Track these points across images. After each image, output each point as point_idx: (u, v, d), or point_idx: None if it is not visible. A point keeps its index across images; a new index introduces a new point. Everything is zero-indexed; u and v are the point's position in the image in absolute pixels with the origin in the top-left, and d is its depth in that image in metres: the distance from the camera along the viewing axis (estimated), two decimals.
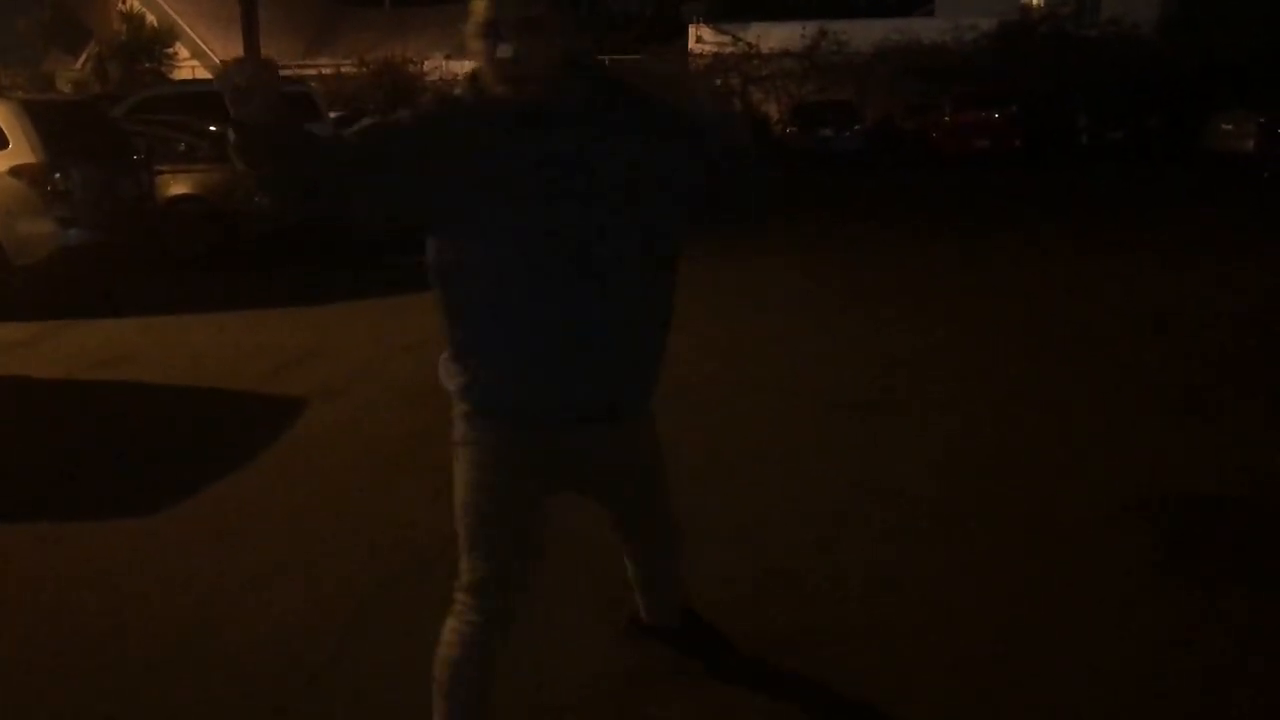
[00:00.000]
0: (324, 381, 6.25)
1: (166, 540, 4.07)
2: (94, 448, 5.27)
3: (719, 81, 30.19)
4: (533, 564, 2.35)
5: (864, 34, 30.12)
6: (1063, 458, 4.77)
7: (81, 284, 9.23)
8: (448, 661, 2.30)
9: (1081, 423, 5.26)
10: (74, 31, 32.05)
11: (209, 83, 22.76)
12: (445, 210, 2.10)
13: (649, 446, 2.50)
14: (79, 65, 31.35)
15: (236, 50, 24.84)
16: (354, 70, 31.24)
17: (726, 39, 32.01)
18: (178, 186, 10.74)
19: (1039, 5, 33.05)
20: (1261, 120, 19.23)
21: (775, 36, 31.06)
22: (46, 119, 8.83)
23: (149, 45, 31.48)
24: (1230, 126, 20.37)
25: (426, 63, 31.52)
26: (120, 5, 33.10)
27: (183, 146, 11.13)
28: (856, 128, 25.45)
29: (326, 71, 31.00)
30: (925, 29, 30.99)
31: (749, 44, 31.53)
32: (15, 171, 8.45)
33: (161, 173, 10.47)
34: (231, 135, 1.96)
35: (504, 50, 1.98)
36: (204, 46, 35.44)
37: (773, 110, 30.66)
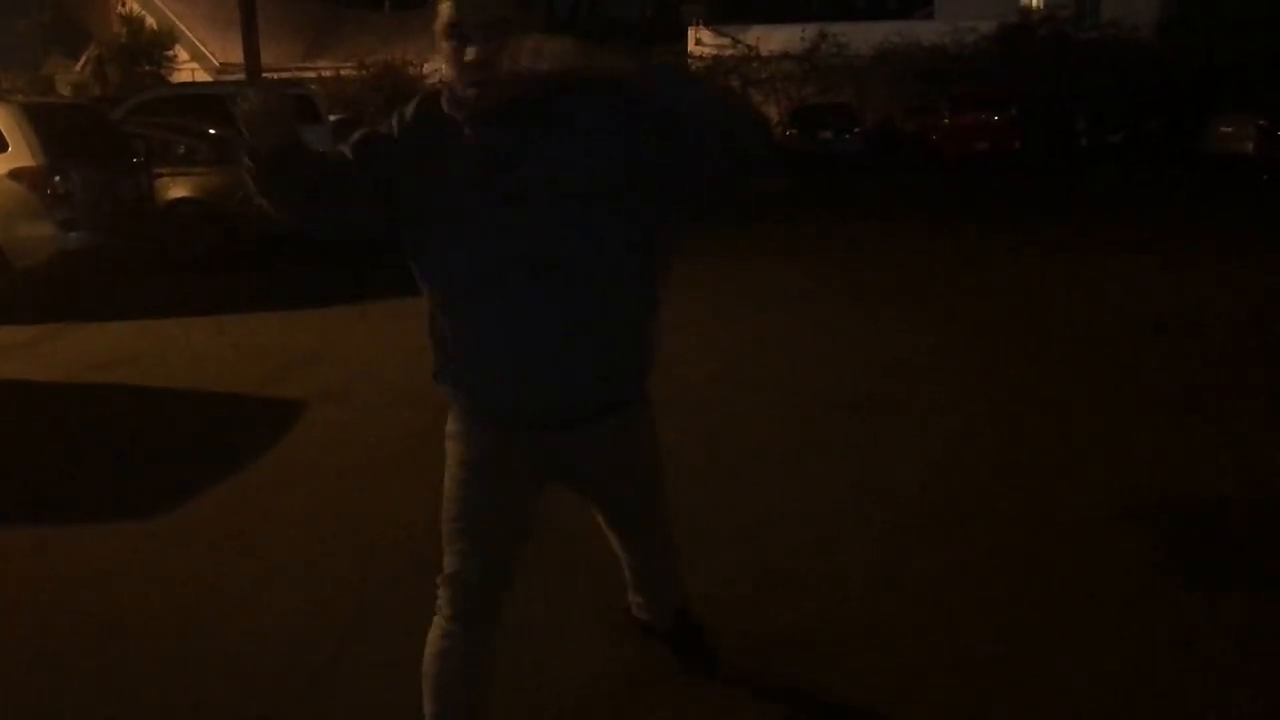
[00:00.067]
0: (324, 384, 6.25)
1: (166, 542, 4.08)
2: (94, 450, 5.27)
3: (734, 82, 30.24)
4: (513, 561, 2.32)
5: (864, 36, 30.12)
6: (1063, 458, 4.77)
7: (81, 286, 9.23)
8: (430, 660, 2.29)
9: (1081, 423, 5.26)
10: (74, 34, 32.07)
11: (208, 85, 22.82)
12: (410, 213, 2.16)
13: (645, 449, 2.46)
14: (79, 68, 31.36)
15: (236, 53, 24.85)
16: (354, 73, 31.23)
17: (726, 41, 32.00)
18: (177, 189, 10.75)
19: (1038, 7, 33.08)
20: (1261, 123, 19.23)
21: (775, 39, 31.06)
22: (46, 122, 8.84)
23: (148, 48, 31.47)
24: (1230, 129, 20.37)
25: (426, 65, 31.49)
26: (120, 8, 33.11)
27: (182, 149, 11.13)
28: (856, 130, 25.46)
29: (326, 74, 30.98)
30: (925, 31, 30.99)
31: (749, 46, 31.51)
32: (15, 174, 8.46)
33: (161, 175, 10.48)
34: (246, 162, 2.03)
35: (469, 53, 1.99)
36: (203, 49, 35.42)
37: (773, 112, 30.64)
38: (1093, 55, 28.07)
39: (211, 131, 11.62)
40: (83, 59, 31.60)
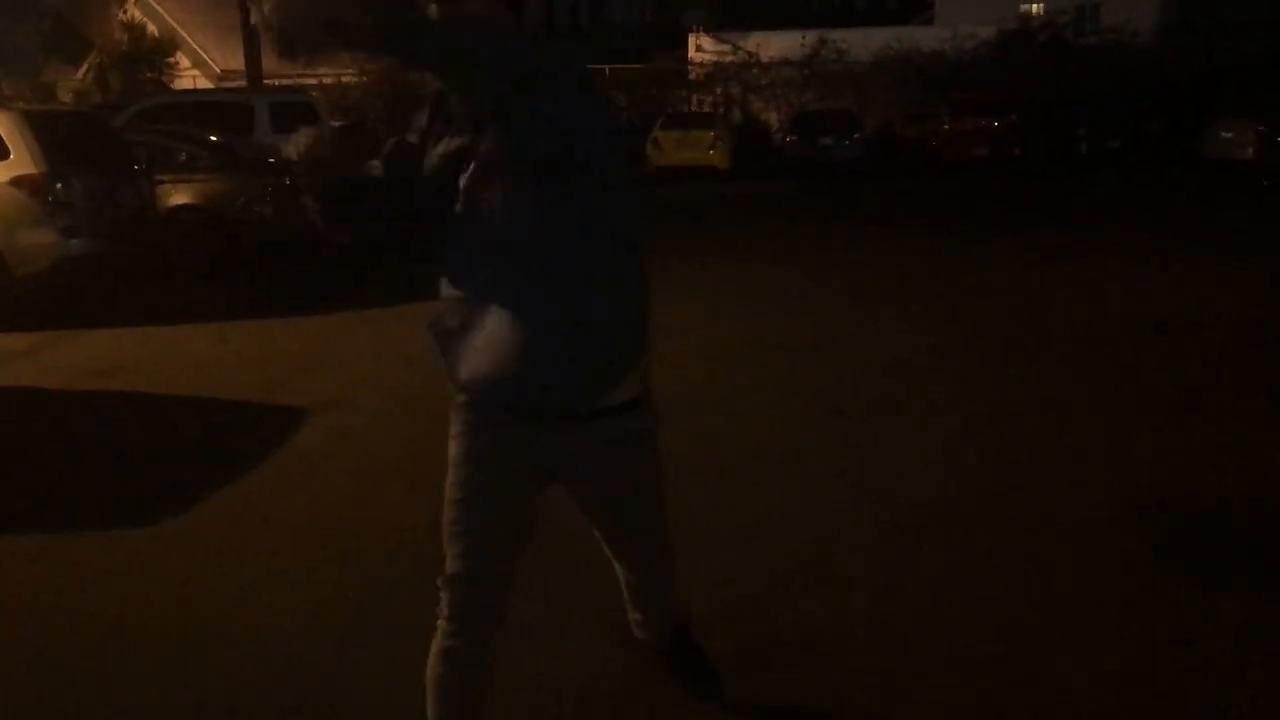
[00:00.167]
0: (325, 390, 6.26)
1: (168, 547, 4.08)
2: (96, 456, 5.27)
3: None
4: (514, 563, 2.32)
5: (863, 42, 30.12)
6: (1063, 458, 4.78)
7: (83, 293, 9.25)
8: (432, 662, 2.30)
9: (1081, 423, 5.27)
10: (75, 41, 32.12)
11: (210, 92, 22.85)
12: None
13: (645, 461, 2.41)
14: (80, 75, 31.42)
15: (237, 60, 24.90)
16: (355, 79, 31.27)
17: (726, 48, 32.00)
18: (179, 196, 10.76)
19: (1038, 13, 33.12)
20: (1261, 128, 19.25)
21: (775, 45, 31.06)
22: (48, 129, 8.85)
23: (150, 55, 31.51)
24: (1230, 134, 20.39)
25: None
26: (121, 15, 33.16)
27: (184, 156, 11.15)
28: (856, 136, 25.46)
29: (328, 81, 31.04)
30: (925, 37, 31.00)
31: (749, 53, 31.53)
32: (17, 182, 8.47)
33: (162, 182, 10.49)
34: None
35: None
36: (204, 56, 35.47)
37: (773, 119, 30.68)
38: (1092, 61, 28.10)
39: (213, 138, 11.66)
40: (84, 66, 31.66)
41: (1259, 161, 18.92)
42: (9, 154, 8.50)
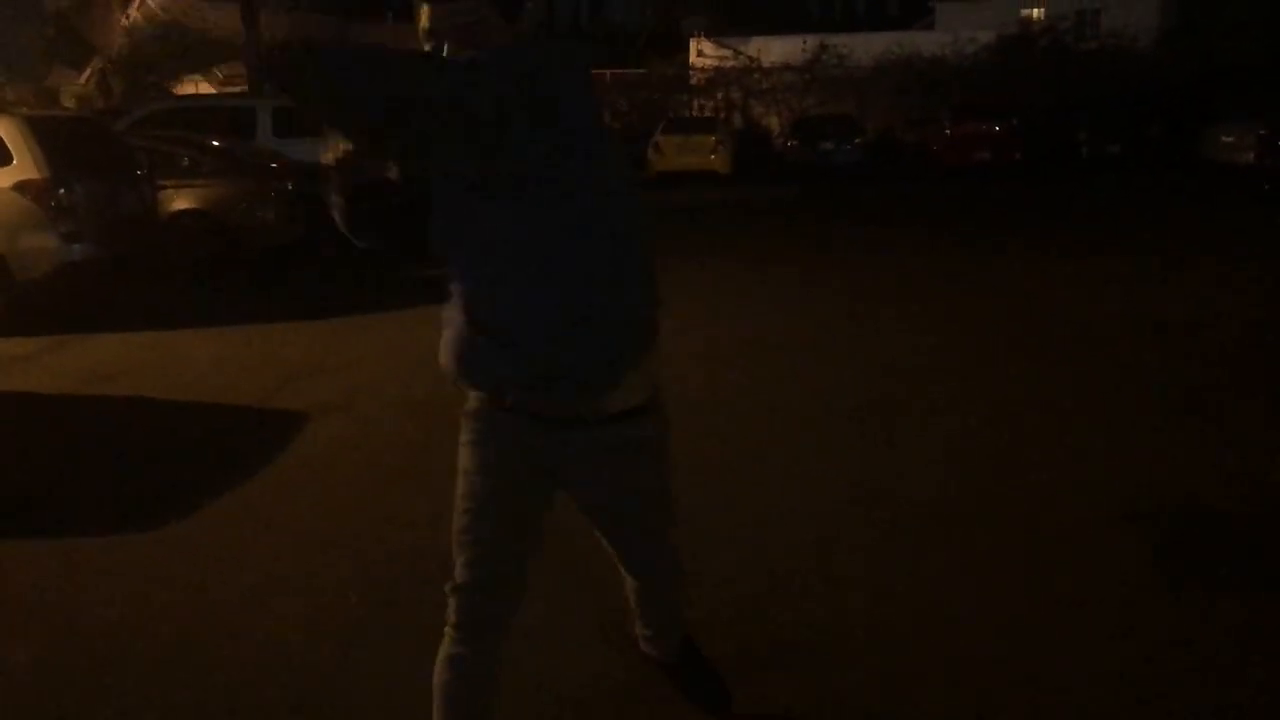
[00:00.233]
0: (327, 396, 6.26)
1: (169, 552, 4.08)
2: (97, 461, 5.28)
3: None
4: (523, 573, 2.30)
5: (864, 47, 30.20)
6: (1063, 459, 4.79)
7: (85, 298, 9.26)
8: (438, 669, 2.28)
9: (1081, 424, 5.27)
10: (78, 47, 32.15)
11: (212, 97, 22.87)
12: None
13: (651, 470, 2.35)
14: (83, 80, 31.44)
15: (239, 66, 24.93)
16: None
17: (727, 52, 32.10)
18: (181, 201, 10.78)
19: (1039, 18, 33.18)
20: (1262, 132, 19.25)
21: (776, 50, 31.15)
22: (50, 134, 8.88)
23: (152, 60, 31.56)
24: (1231, 138, 20.40)
25: None
26: (124, 20, 33.20)
27: (186, 161, 11.17)
28: (857, 140, 25.50)
29: None
30: (925, 42, 31.08)
31: (750, 57, 31.61)
32: (19, 187, 8.49)
33: (165, 187, 10.52)
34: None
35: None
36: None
37: (774, 124, 30.73)
38: (1093, 65, 28.18)
39: (215, 144, 11.68)
40: (87, 71, 31.69)
41: (1260, 165, 18.92)
42: (12, 159, 8.52)
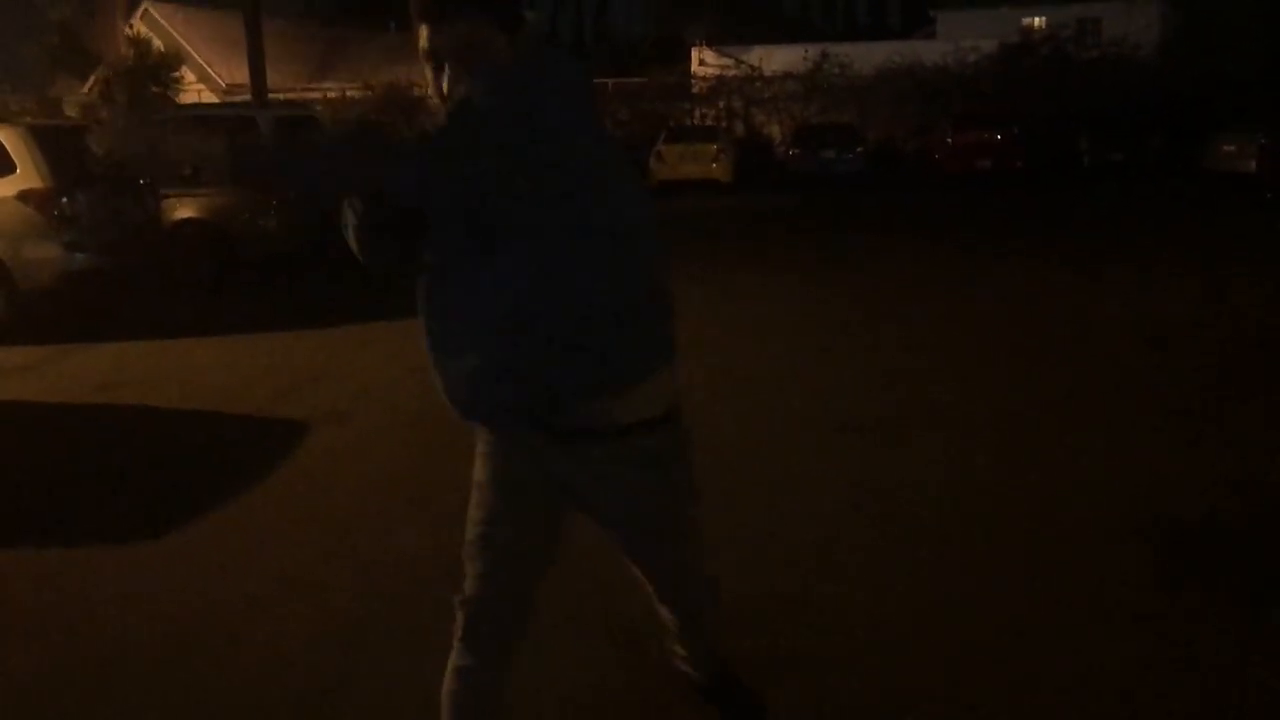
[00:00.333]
0: (329, 404, 6.28)
1: (170, 563, 4.10)
2: (99, 470, 5.30)
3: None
4: (532, 587, 2.28)
5: (866, 56, 30.21)
6: (1063, 462, 4.82)
7: (87, 307, 9.29)
8: (446, 681, 2.27)
9: (1082, 434, 5.28)
10: (81, 56, 32.25)
11: (214, 106, 22.94)
12: None
13: (659, 483, 2.26)
14: (86, 90, 31.52)
15: (242, 74, 25.03)
16: (360, 94, 31.40)
17: (729, 61, 32.13)
18: (183, 210, 10.81)
19: (1040, 27, 33.22)
20: (1264, 142, 19.26)
21: (778, 59, 31.16)
22: (54, 144, 8.91)
23: (155, 69, 31.64)
24: (1232, 148, 20.41)
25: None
26: (127, 30, 33.31)
27: (188, 170, 11.20)
28: (859, 149, 25.53)
29: (332, 95, 31.16)
30: (927, 51, 31.09)
31: (751, 66, 31.63)
32: (23, 196, 8.52)
33: (167, 196, 10.55)
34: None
35: (445, 81, 1.99)
36: (210, 70, 35.67)
37: (775, 132, 30.76)
38: (1094, 74, 28.18)
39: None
40: (90, 81, 31.77)
41: (1261, 174, 18.94)
42: (15, 168, 8.56)
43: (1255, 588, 3.54)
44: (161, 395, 6.66)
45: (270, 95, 22.40)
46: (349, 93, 31.53)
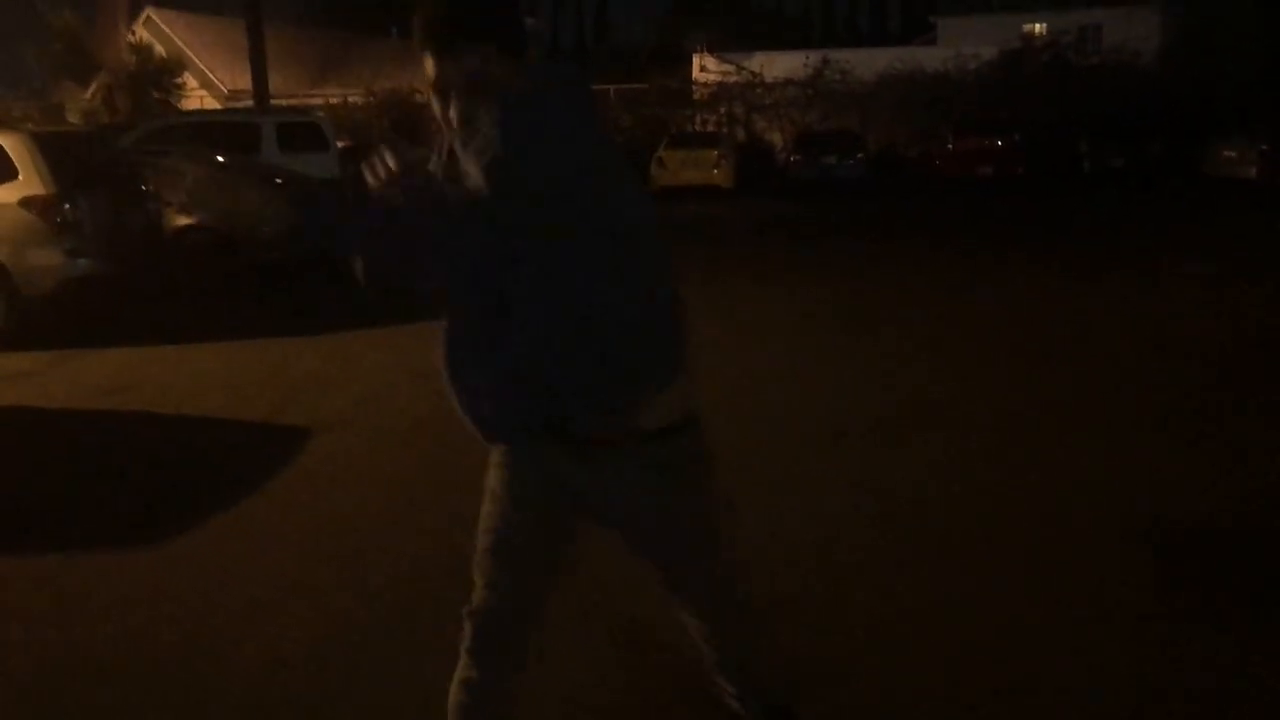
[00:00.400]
0: (332, 410, 6.29)
1: (172, 569, 4.11)
2: (100, 477, 5.30)
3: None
4: (541, 600, 2.26)
5: (867, 62, 30.26)
6: (1063, 464, 4.84)
7: (90, 313, 9.30)
8: (453, 690, 2.24)
9: (1082, 442, 5.29)
10: (84, 62, 32.31)
11: (217, 112, 23.01)
12: None
13: (674, 494, 2.21)
14: (89, 96, 31.57)
15: (245, 80, 25.08)
16: (361, 100, 31.47)
17: (730, 68, 32.18)
18: (185, 216, 10.82)
19: (1041, 33, 33.28)
20: (1264, 148, 19.30)
21: (779, 65, 31.22)
22: (56, 150, 8.94)
23: (158, 76, 31.71)
24: (1233, 153, 20.46)
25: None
26: (130, 36, 33.38)
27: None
28: (860, 155, 25.57)
29: (334, 101, 31.22)
30: (928, 58, 31.13)
31: (753, 73, 31.69)
32: (25, 203, 8.54)
33: (169, 203, 10.56)
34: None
35: (454, 115, 1.97)
36: (212, 76, 35.76)
37: (777, 138, 30.81)
38: (1095, 81, 28.22)
39: (220, 159, 11.73)
40: (93, 87, 31.81)
41: (1262, 180, 18.97)
42: (18, 175, 8.58)
43: (1255, 588, 3.56)
44: (164, 401, 6.68)
45: (272, 101, 22.44)
46: (351, 98, 31.60)
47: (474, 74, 1.95)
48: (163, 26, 36.38)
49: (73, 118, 28.64)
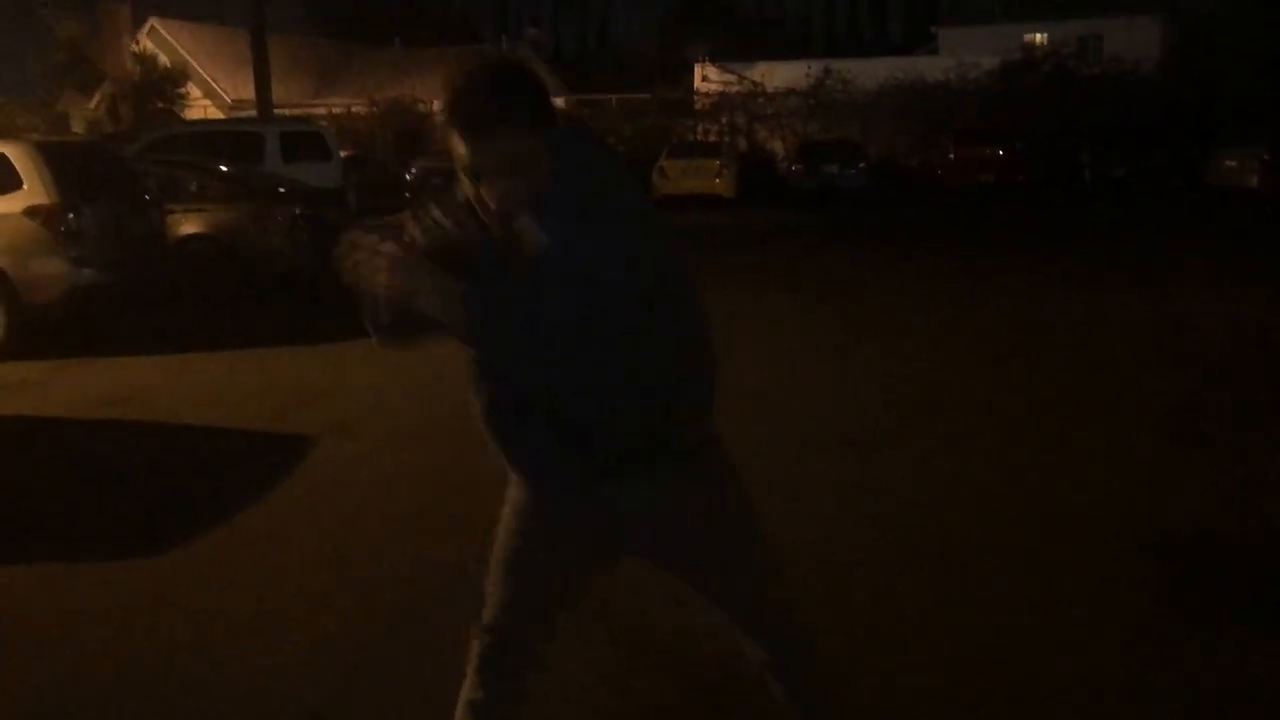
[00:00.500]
0: (335, 419, 6.30)
1: (173, 576, 4.11)
2: (104, 486, 5.30)
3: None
4: (551, 624, 2.24)
5: (868, 72, 30.35)
6: (1065, 487, 4.80)
7: (94, 323, 9.33)
8: (459, 712, 2.24)
9: (1083, 452, 5.28)
10: (88, 72, 32.43)
11: (220, 122, 23.08)
12: None
13: (705, 515, 2.18)
14: (93, 105, 31.70)
15: (248, 89, 25.16)
16: (364, 109, 31.57)
17: (732, 77, 32.28)
18: (189, 226, 10.86)
19: (1042, 43, 33.35)
20: (1265, 157, 19.32)
21: (780, 75, 31.30)
22: (60, 160, 8.97)
23: (161, 85, 31.85)
24: (1234, 163, 20.48)
25: (435, 103, 31.86)
26: (134, 46, 33.51)
27: (194, 186, 11.27)
28: (861, 165, 25.62)
29: (337, 110, 31.34)
30: (929, 68, 31.21)
31: (754, 82, 31.77)
32: (30, 212, 8.56)
33: (173, 212, 10.60)
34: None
35: (487, 192, 1.95)
36: (215, 86, 35.89)
37: (778, 148, 30.88)
38: (1095, 90, 28.29)
39: (223, 169, 11.79)
40: (97, 96, 31.94)
41: (1263, 189, 18.99)
42: (22, 184, 8.61)
43: (1255, 589, 3.57)
44: (166, 410, 6.69)
45: (276, 110, 22.51)
46: (353, 108, 31.71)
47: (508, 155, 1.92)
48: (166, 36, 36.52)
49: (77, 127, 28.74)
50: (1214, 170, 21.36)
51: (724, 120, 31.72)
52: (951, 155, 25.13)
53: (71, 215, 8.66)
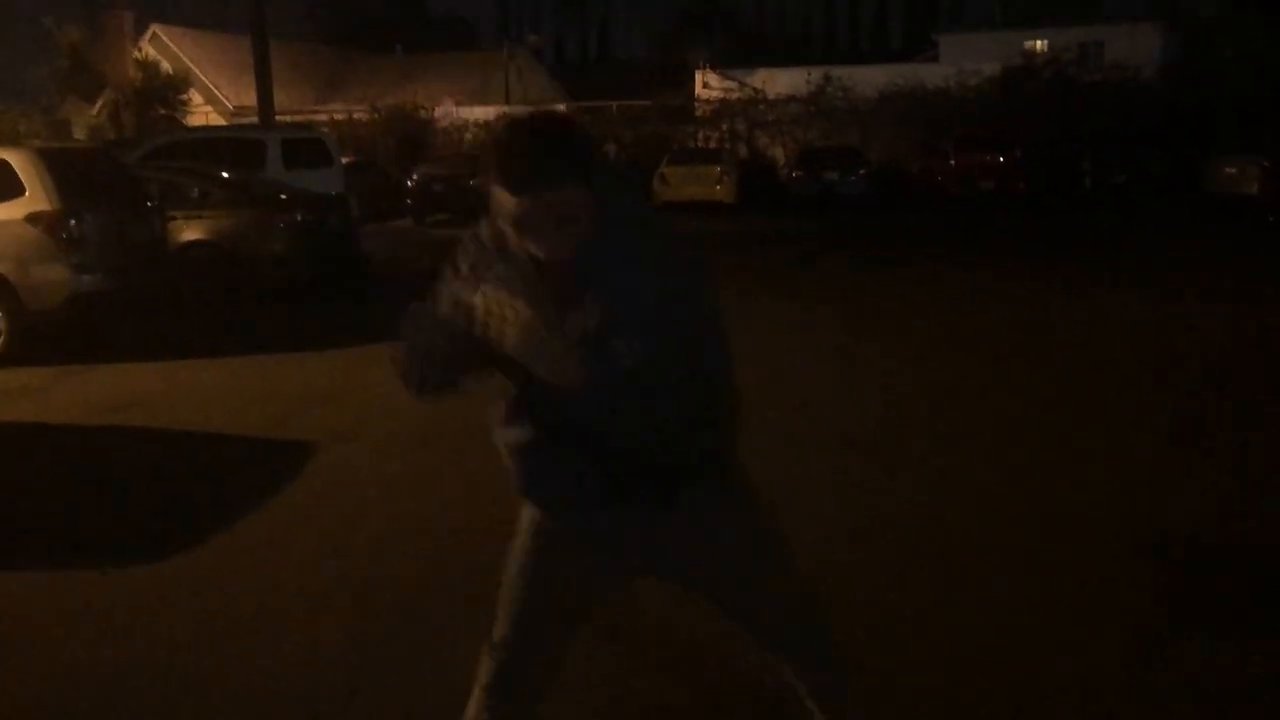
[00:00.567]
0: (336, 424, 6.31)
1: (175, 581, 4.12)
2: (105, 492, 5.31)
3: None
4: (561, 644, 2.23)
5: (868, 79, 30.36)
6: (1065, 493, 4.80)
7: (95, 329, 9.34)
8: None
9: (1083, 458, 5.29)
10: (90, 79, 32.51)
11: (222, 129, 23.13)
12: None
13: (728, 540, 2.18)
14: (95, 112, 31.76)
15: (250, 96, 25.20)
16: (366, 116, 31.62)
17: (733, 84, 32.31)
18: (191, 232, 10.89)
19: (1042, 50, 33.37)
20: (1266, 164, 19.31)
21: (781, 81, 31.33)
22: (62, 166, 8.99)
23: (163, 92, 31.93)
24: (1234, 170, 20.47)
25: (437, 109, 31.92)
26: (135, 53, 33.59)
27: (195, 193, 11.30)
28: (862, 171, 25.61)
29: (339, 117, 31.38)
30: (929, 74, 31.23)
31: (755, 89, 31.81)
32: (32, 218, 8.59)
33: (174, 218, 10.62)
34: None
35: (533, 247, 1.96)
36: (217, 93, 35.94)
37: (779, 154, 30.89)
38: (1096, 97, 28.29)
39: (224, 175, 11.82)
40: (99, 103, 32.01)
41: (1264, 197, 18.98)
42: (24, 191, 8.63)
43: (1255, 590, 3.58)
44: (167, 416, 6.70)
45: (277, 117, 22.54)
46: (355, 114, 31.75)
47: (555, 210, 1.92)
48: (168, 43, 36.59)
49: (79, 134, 28.79)
50: (1214, 177, 21.34)
51: (724, 127, 31.72)
52: (952, 162, 25.12)
53: (73, 222, 8.69)
